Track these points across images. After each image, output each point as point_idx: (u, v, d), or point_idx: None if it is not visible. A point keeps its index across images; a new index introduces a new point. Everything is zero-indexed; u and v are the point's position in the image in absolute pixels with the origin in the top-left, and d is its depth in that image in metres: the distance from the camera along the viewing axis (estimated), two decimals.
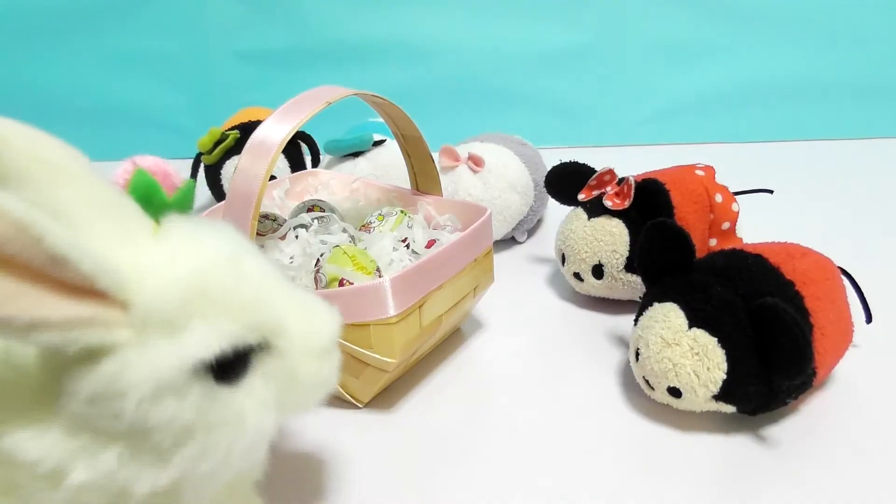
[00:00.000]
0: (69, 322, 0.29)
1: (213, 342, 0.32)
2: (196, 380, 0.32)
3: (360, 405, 0.56)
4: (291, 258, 0.57)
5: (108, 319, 0.30)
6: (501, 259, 0.81)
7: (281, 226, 0.62)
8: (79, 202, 0.33)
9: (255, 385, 0.34)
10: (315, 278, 0.54)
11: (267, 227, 0.62)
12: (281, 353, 0.35)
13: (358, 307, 0.49)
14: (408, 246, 0.60)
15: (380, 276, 0.53)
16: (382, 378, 0.53)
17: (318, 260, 0.55)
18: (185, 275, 0.32)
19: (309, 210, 0.65)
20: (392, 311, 0.49)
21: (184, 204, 0.42)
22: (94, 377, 0.30)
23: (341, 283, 0.52)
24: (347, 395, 0.55)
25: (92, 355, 0.30)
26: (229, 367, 0.33)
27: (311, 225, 0.61)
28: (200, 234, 0.34)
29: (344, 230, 0.61)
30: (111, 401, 0.31)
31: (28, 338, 0.29)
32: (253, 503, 0.42)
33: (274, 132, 0.49)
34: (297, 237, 0.60)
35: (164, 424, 0.32)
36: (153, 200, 0.39)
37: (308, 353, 0.36)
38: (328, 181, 0.74)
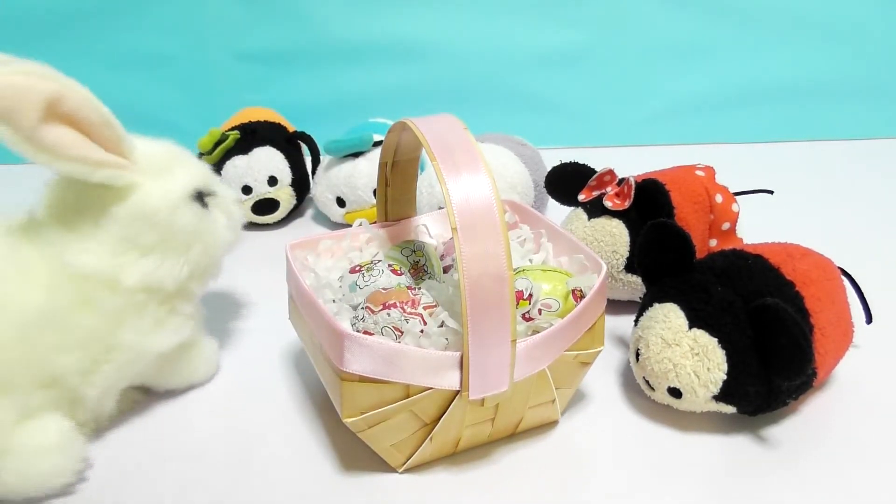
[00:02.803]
0: (108, 163, 0.48)
1: (190, 179, 0.54)
2: (189, 200, 0.53)
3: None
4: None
5: (131, 168, 0.49)
6: None
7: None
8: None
9: (215, 211, 0.56)
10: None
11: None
12: (220, 198, 0.57)
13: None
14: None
15: None
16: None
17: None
18: (159, 147, 0.54)
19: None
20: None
21: None
22: (131, 205, 0.49)
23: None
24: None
25: (125, 191, 0.49)
26: (201, 197, 0.55)
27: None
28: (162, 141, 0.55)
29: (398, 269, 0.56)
30: (147, 219, 0.50)
31: (89, 173, 0.47)
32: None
33: (478, 195, 0.43)
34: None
35: (180, 230, 0.52)
36: None
37: (230, 200, 0.58)
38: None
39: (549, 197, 0.75)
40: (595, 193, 0.68)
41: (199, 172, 0.55)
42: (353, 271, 0.55)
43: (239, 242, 0.59)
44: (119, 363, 0.50)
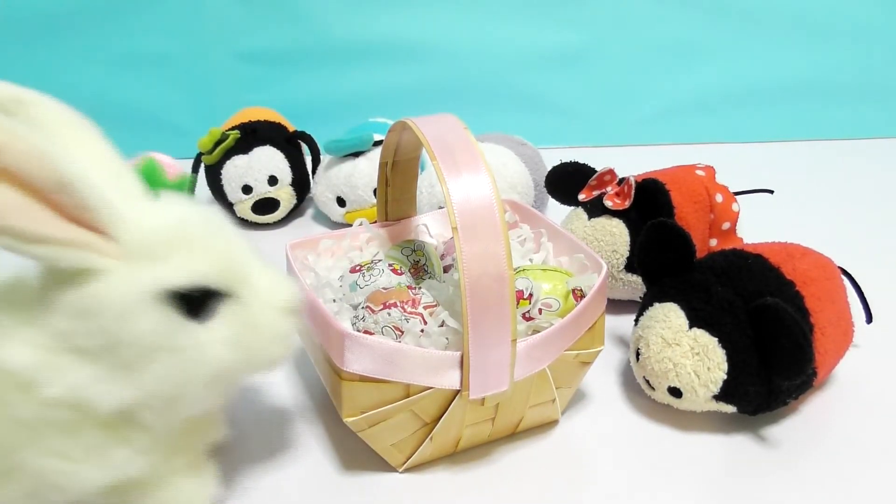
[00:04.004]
0: (65, 241, 0.34)
1: (181, 276, 0.37)
2: (163, 306, 0.37)
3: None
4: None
5: (100, 247, 0.36)
6: None
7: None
8: (93, 161, 0.39)
9: (217, 325, 0.39)
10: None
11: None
12: (244, 302, 0.40)
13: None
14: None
15: None
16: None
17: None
18: (171, 220, 0.38)
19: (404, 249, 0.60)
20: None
21: (181, 189, 0.48)
22: (81, 294, 0.36)
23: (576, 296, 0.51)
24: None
25: (81, 277, 0.36)
26: (195, 303, 0.38)
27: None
28: (189, 202, 0.41)
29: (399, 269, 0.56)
30: (92, 317, 0.36)
31: (28, 250, 0.34)
32: (200, 459, 0.45)
33: (478, 195, 0.43)
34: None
35: (133, 341, 0.36)
36: (155, 180, 0.45)
37: (268, 306, 0.41)
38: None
39: (549, 197, 0.75)
40: (595, 193, 0.68)
41: (206, 264, 0.38)
42: (353, 271, 0.55)
43: (270, 367, 0.43)
44: (20, 490, 0.38)
